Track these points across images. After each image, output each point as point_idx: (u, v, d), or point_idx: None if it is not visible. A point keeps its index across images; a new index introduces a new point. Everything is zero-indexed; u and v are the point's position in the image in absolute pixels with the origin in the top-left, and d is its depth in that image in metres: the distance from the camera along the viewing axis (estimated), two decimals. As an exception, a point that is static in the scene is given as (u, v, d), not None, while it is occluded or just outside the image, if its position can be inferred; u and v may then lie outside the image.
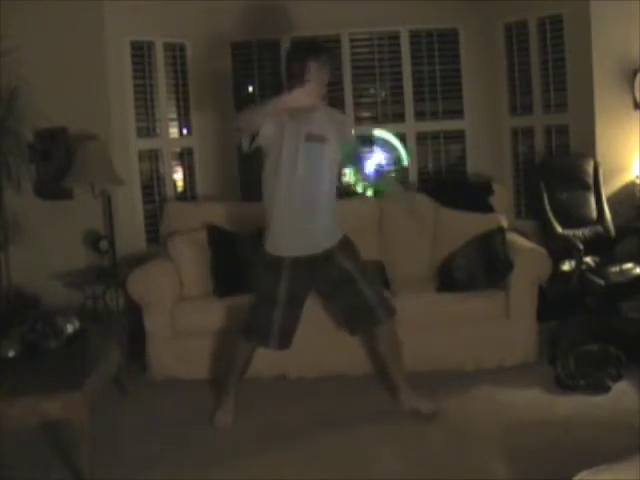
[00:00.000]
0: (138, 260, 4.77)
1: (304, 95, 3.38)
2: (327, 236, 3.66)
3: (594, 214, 5.21)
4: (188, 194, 5.88)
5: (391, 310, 3.76)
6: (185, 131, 5.90)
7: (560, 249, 4.79)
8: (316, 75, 3.49)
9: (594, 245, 4.94)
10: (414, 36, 5.91)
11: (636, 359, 4.05)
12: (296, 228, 3.59)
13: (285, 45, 5.73)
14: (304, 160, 3.52)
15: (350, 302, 3.72)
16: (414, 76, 5.93)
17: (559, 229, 5.06)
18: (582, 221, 5.15)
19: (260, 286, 3.74)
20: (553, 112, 5.64)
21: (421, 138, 5.98)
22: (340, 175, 4.34)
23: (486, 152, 5.95)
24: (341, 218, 3.77)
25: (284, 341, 3.75)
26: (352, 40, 5.90)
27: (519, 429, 3.51)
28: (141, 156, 5.57)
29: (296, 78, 3.48)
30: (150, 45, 5.56)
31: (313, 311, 4.06)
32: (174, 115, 5.79)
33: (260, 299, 3.73)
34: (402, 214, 4.48)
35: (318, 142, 3.56)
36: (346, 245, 3.72)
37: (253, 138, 3.51)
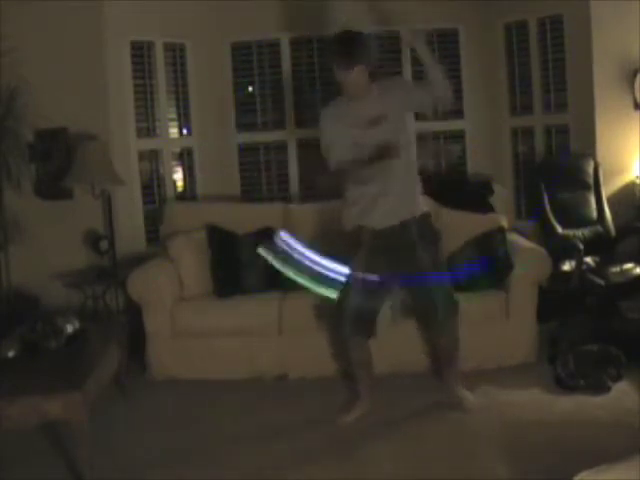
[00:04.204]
0: (138, 260, 4.77)
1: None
2: (404, 206, 3.62)
3: (594, 214, 5.20)
4: (188, 194, 5.88)
5: (453, 310, 3.78)
6: (185, 131, 5.89)
7: (560, 249, 4.79)
8: (343, 76, 3.49)
9: (594, 245, 4.93)
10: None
11: (636, 359, 4.05)
12: (372, 203, 3.58)
13: (285, 45, 5.82)
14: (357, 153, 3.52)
15: (419, 300, 3.76)
16: (414, 76, 5.92)
17: (559, 229, 5.06)
18: (582, 221, 5.14)
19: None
20: (553, 112, 5.63)
21: (421, 138, 5.98)
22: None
23: (486, 152, 5.95)
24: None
25: (359, 328, 3.70)
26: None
27: (519, 429, 3.51)
28: (141, 156, 5.56)
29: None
30: (150, 45, 5.55)
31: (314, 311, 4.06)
32: (174, 115, 5.79)
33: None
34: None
35: (373, 126, 3.52)
36: (426, 232, 3.68)
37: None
